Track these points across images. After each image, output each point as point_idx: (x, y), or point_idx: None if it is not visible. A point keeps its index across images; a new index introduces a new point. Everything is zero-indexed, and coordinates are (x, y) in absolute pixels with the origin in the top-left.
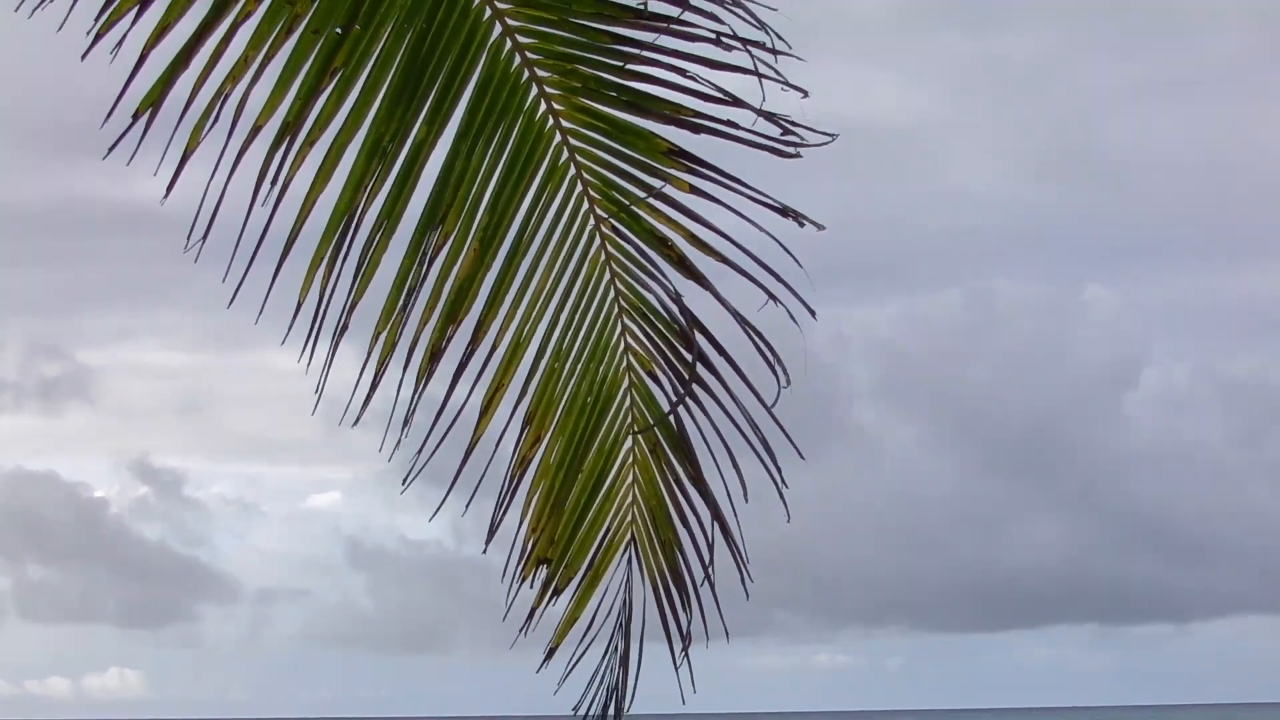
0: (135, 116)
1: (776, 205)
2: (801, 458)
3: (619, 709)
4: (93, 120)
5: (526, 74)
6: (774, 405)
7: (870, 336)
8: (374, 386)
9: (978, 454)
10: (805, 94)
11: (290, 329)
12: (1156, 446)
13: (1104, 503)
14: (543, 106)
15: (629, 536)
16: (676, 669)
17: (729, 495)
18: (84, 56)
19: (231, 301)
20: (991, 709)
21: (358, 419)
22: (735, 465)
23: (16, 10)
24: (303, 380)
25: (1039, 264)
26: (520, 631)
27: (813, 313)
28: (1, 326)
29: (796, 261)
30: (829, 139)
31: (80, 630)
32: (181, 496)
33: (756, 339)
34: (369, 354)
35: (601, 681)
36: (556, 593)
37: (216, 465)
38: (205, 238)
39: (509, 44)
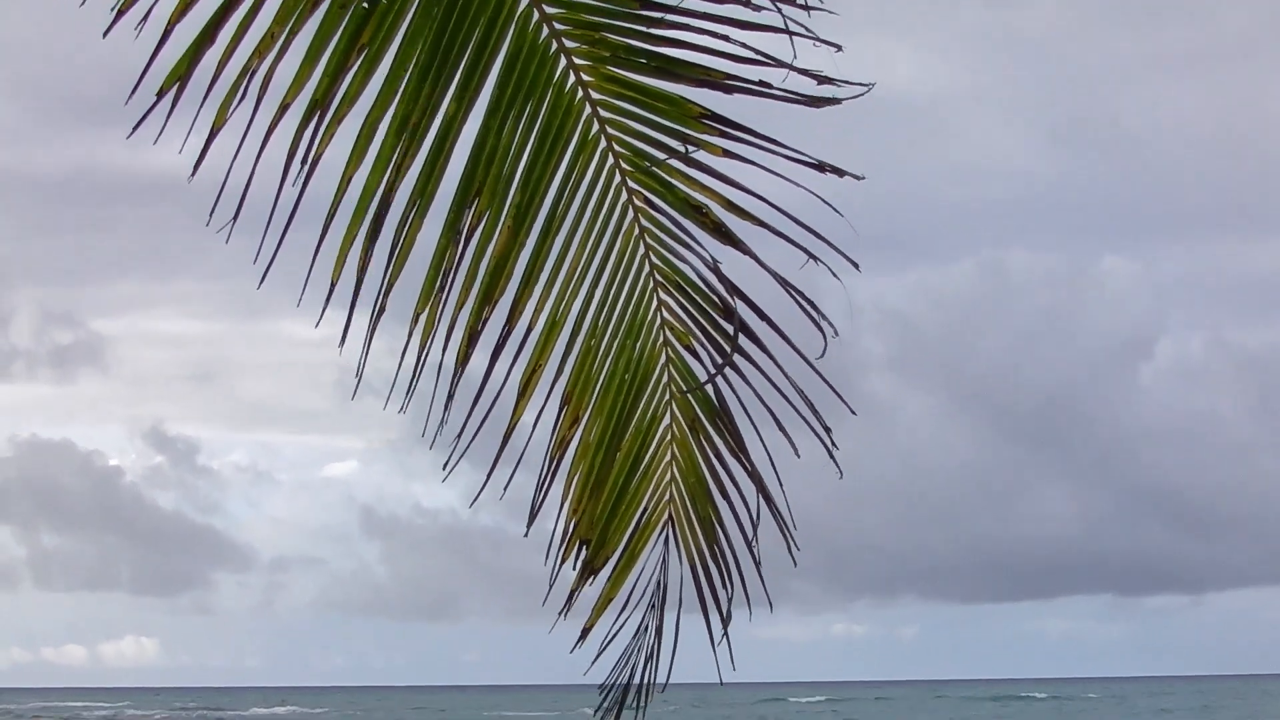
0: (160, 94)
1: (812, 161)
2: (853, 413)
3: (647, 697)
4: (114, 91)
5: (555, 45)
6: (820, 359)
7: (886, 308)
8: (418, 366)
9: (993, 425)
10: (839, 48)
11: (325, 309)
12: (1171, 419)
13: (1119, 474)
14: (572, 78)
15: (666, 515)
16: (715, 647)
17: (773, 464)
18: (106, 34)
19: (261, 283)
20: (1006, 679)
21: (403, 406)
22: (782, 428)
23: None
24: (319, 350)
25: (1055, 236)
26: (560, 614)
27: (856, 265)
28: (19, 295)
29: (837, 212)
30: (865, 89)
31: (95, 598)
32: (196, 465)
33: (799, 298)
34: (410, 334)
35: (630, 660)
36: (594, 573)
37: (232, 434)
38: (236, 218)
39: (536, 15)
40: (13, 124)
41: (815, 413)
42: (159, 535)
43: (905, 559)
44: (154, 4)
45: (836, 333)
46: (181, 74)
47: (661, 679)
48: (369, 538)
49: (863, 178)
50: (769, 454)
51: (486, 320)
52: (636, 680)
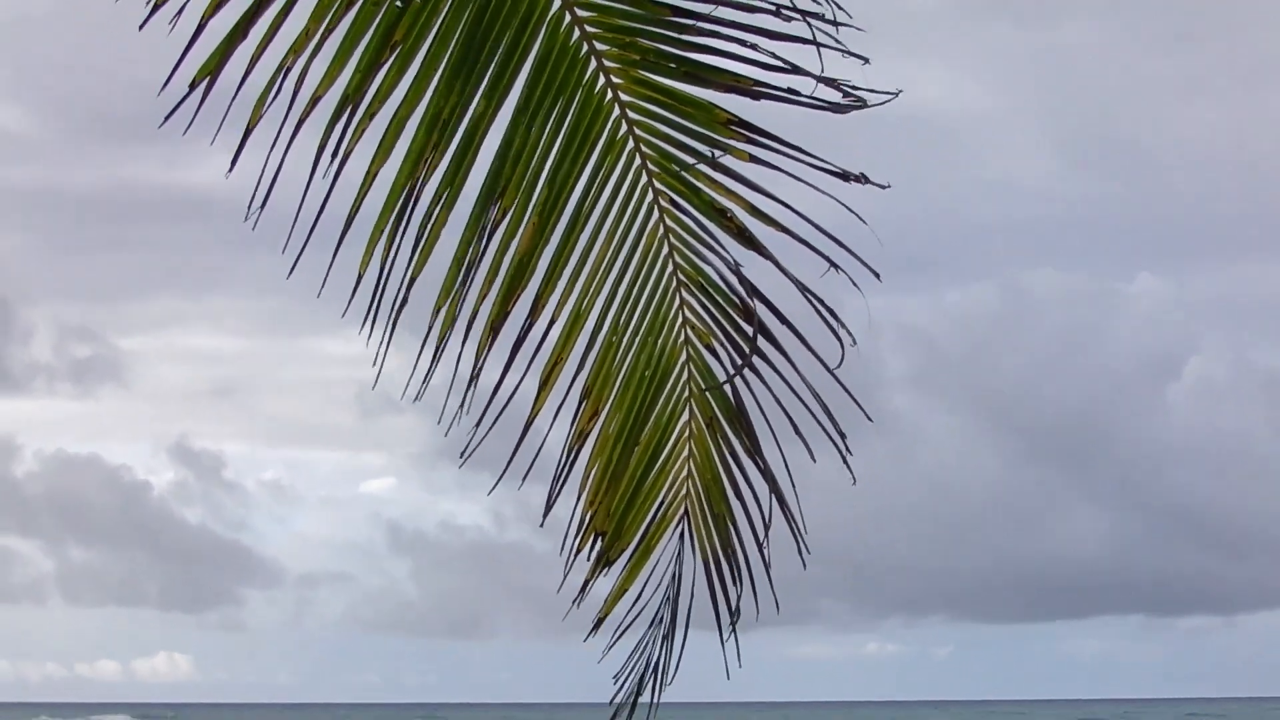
0: (192, 86)
1: (837, 170)
2: (869, 419)
3: (659, 684)
4: (147, 108)
5: (585, 47)
6: (839, 366)
7: (913, 328)
8: (435, 361)
9: (1022, 444)
10: (866, 61)
11: (350, 303)
12: (1200, 438)
13: (1149, 494)
14: (601, 79)
15: (682, 510)
16: (724, 643)
17: (787, 467)
18: (142, 26)
19: (291, 273)
20: (1039, 700)
21: (419, 395)
22: (798, 432)
23: None
24: (348, 366)
25: (1082, 256)
26: (573, 603)
27: (877, 276)
28: (46, 311)
29: (861, 221)
30: (891, 96)
31: (125, 614)
32: (224, 481)
33: (818, 304)
34: (429, 328)
35: (643, 654)
36: (609, 564)
37: (261, 450)
38: (264, 206)
39: (568, 17)
40: (45, 142)
41: (831, 418)
42: (187, 551)
43: (934, 578)
44: (186, 1)
45: (855, 342)
46: (213, 68)
47: (669, 678)
48: (398, 554)
49: (887, 186)
50: (784, 457)
51: (508, 314)
52: (650, 668)
